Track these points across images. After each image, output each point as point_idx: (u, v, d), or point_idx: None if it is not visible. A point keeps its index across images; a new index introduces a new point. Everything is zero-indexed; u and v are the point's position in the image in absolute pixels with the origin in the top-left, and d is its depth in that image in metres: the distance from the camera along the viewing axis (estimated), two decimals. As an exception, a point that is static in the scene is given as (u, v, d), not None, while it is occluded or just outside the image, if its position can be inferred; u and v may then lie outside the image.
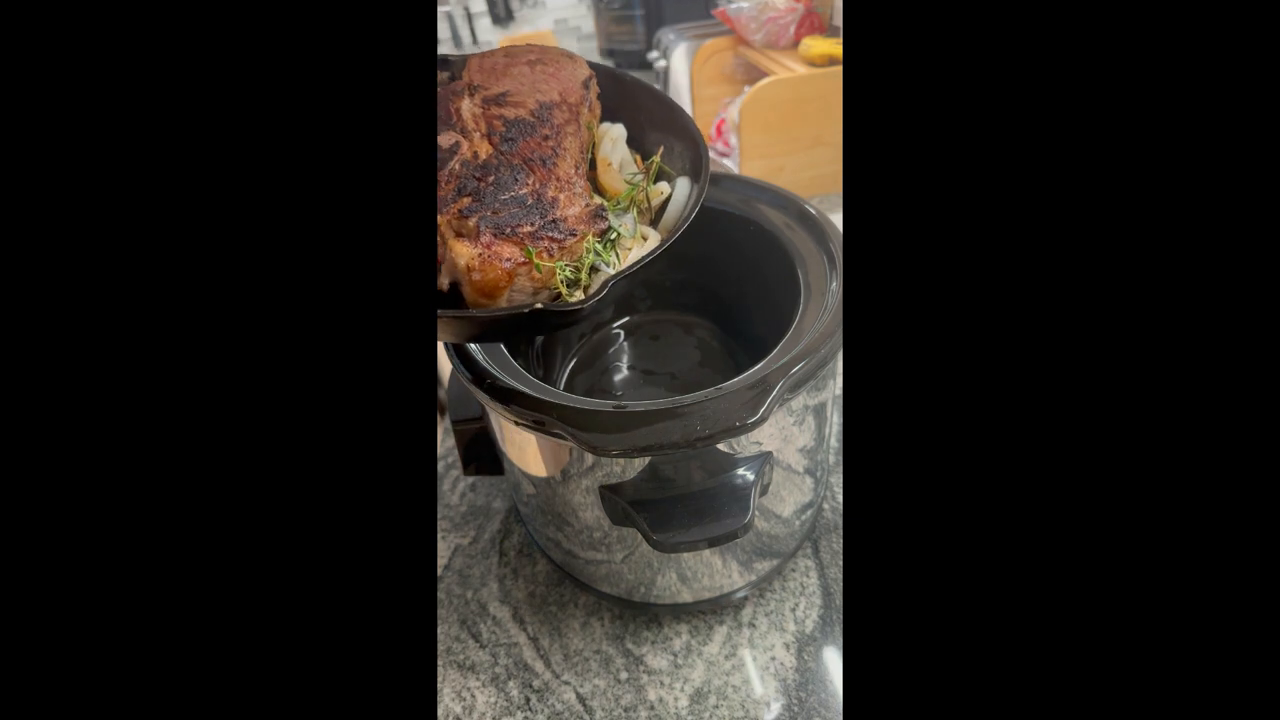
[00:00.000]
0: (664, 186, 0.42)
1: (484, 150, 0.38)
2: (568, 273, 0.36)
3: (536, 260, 0.35)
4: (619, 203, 0.40)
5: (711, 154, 1.20)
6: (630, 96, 0.44)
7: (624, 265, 0.37)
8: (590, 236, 0.37)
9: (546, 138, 0.39)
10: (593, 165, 0.42)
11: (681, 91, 1.34)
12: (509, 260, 0.35)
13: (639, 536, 0.43)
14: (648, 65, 1.42)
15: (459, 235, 0.36)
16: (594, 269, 0.37)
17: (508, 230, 0.35)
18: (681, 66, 1.32)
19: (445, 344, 0.45)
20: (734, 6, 1.22)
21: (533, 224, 0.36)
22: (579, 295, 0.36)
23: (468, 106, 0.40)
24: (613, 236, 0.38)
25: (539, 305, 0.35)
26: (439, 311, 0.35)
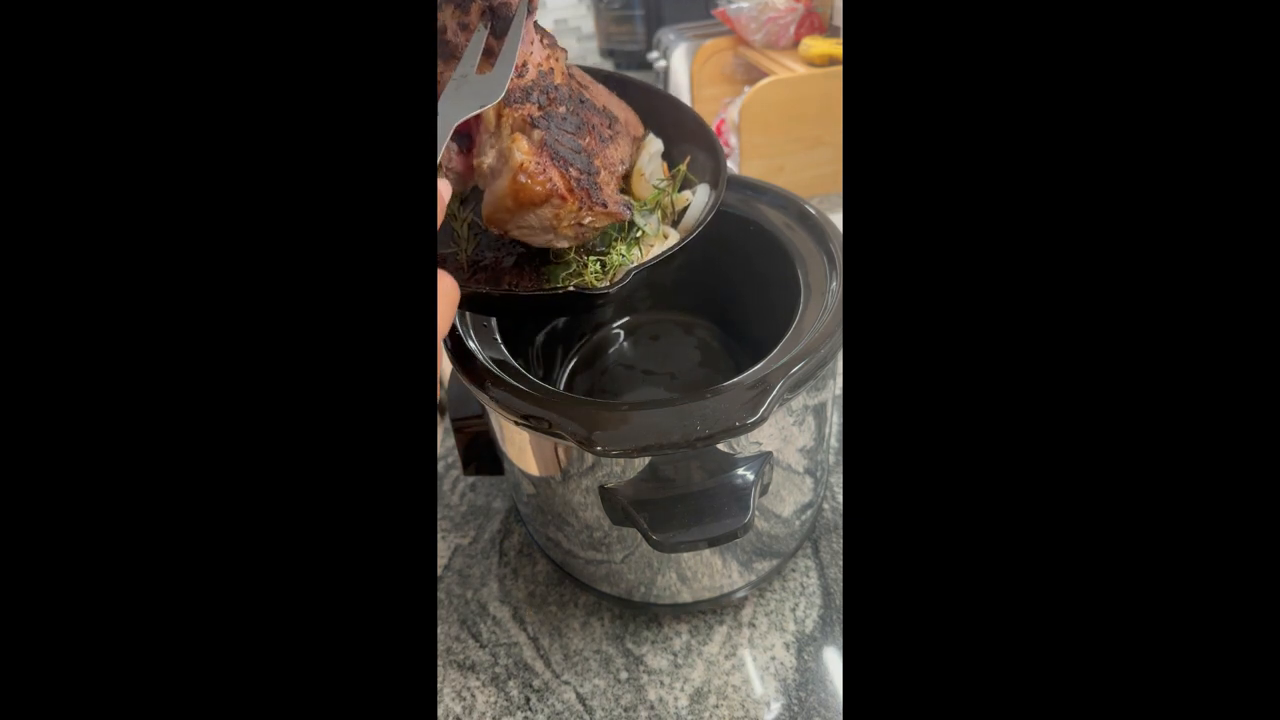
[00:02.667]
0: (687, 194, 0.45)
1: (559, 72, 0.40)
2: (597, 267, 0.39)
3: (571, 201, 0.36)
4: (646, 204, 0.43)
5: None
6: (660, 109, 0.48)
7: (646, 258, 0.40)
8: (619, 242, 0.40)
9: (609, 126, 0.42)
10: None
11: (681, 92, 1.34)
12: (553, 185, 0.36)
13: (639, 536, 0.43)
14: (648, 65, 1.42)
15: (522, 133, 0.37)
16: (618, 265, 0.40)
17: (560, 162, 0.37)
18: (681, 67, 1.32)
19: (445, 344, 0.45)
20: (734, 6, 1.22)
21: (580, 170, 0.37)
22: (605, 283, 0.39)
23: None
24: (638, 234, 0.41)
25: (571, 287, 0.38)
26: (484, 289, 0.38)
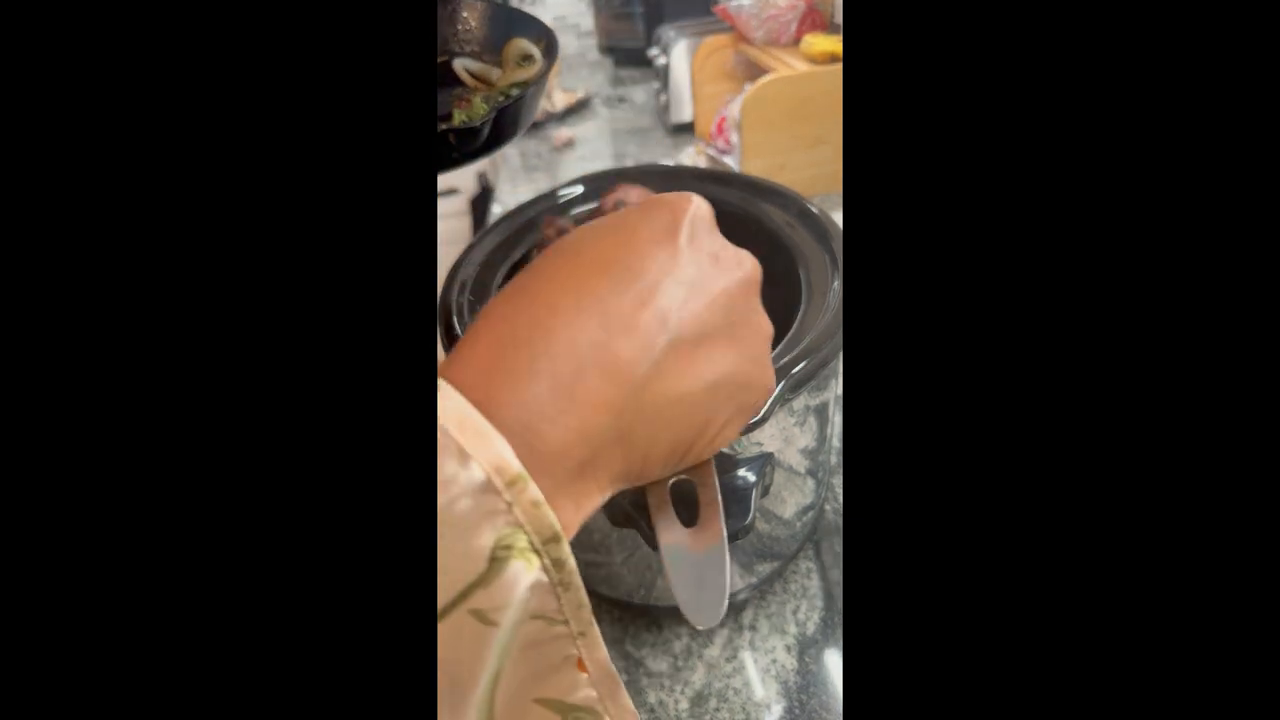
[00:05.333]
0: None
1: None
2: (464, 117, 0.44)
3: None
4: (514, 83, 0.50)
5: (712, 151, 1.19)
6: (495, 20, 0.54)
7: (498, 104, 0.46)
8: (475, 97, 0.47)
9: None
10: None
11: (682, 89, 1.34)
12: None
13: (639, 538, 0.42)
14: (647, 62, 1.41)
15: None
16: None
17: None
18: (681, 64, 1.31)
19: (443, 341, 0.45)
20: (734, 4, 1.21)
21: None
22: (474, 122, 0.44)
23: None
24: (501, 99, 0.47)
25: (442, 127, 0.42)
26: None
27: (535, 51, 0.50)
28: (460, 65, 0.50)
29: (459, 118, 0.44)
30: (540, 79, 0.48)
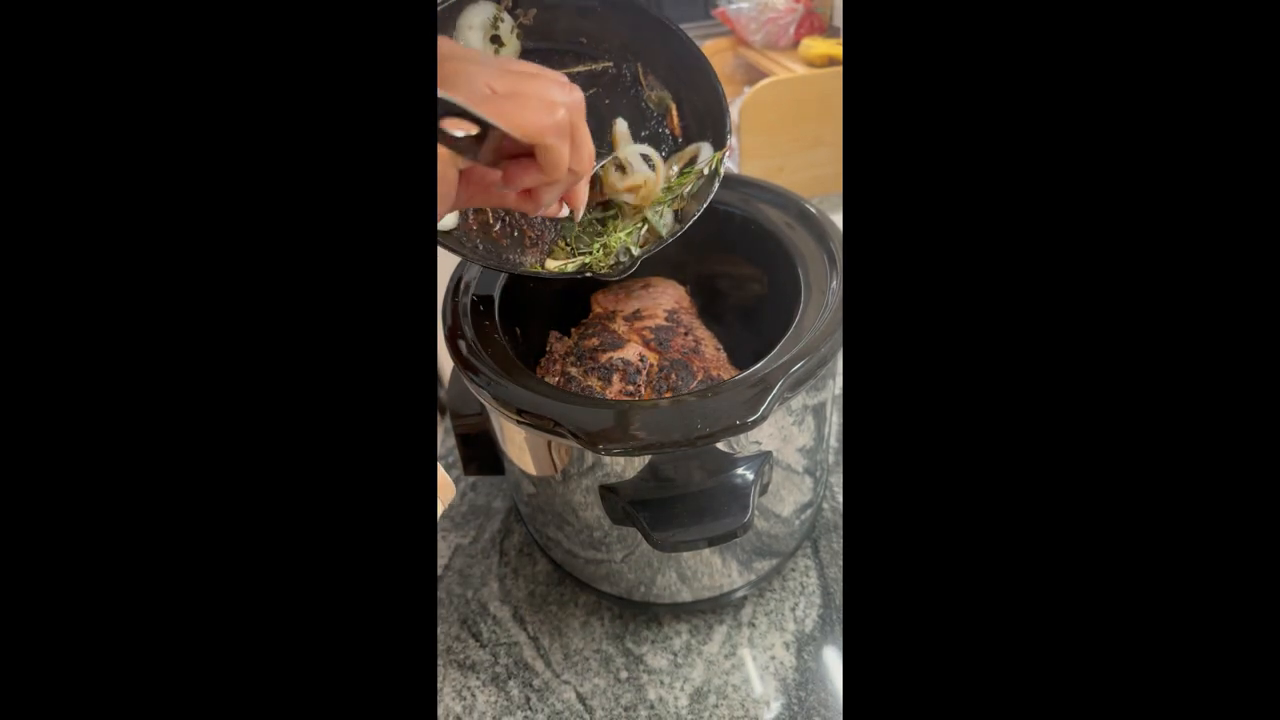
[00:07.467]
0: (699, 167, 0.46)
1: (653, 358, 0.47)
2: (600, 252, 0.43)
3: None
4: (663, 201, 0.45)
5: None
6: (650, 42, 0.45)
7: (649, 246, 0.44)
8: (620, 232, 0.44)
9: (686, 334, 0.52)
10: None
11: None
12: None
13: (639, 536, 0.43)
14: (648, 65, 1.42)
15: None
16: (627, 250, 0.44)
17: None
18: (681, 66, 1.32)
19: (445, 342, 0.45)
20: (734, 7, 1.22)
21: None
22: (605, 268, 0.44)
23: (621, 325, 0.49)
24: (644, 227, 0.45)
25: (588, 274, 0.42)
26: (499, 266, 0.44)
27: (705, 164, 0.45)
28: (616, 149, 0.43)
29: (596, 253, 0.42)
30: (699, 210, 0.43)
